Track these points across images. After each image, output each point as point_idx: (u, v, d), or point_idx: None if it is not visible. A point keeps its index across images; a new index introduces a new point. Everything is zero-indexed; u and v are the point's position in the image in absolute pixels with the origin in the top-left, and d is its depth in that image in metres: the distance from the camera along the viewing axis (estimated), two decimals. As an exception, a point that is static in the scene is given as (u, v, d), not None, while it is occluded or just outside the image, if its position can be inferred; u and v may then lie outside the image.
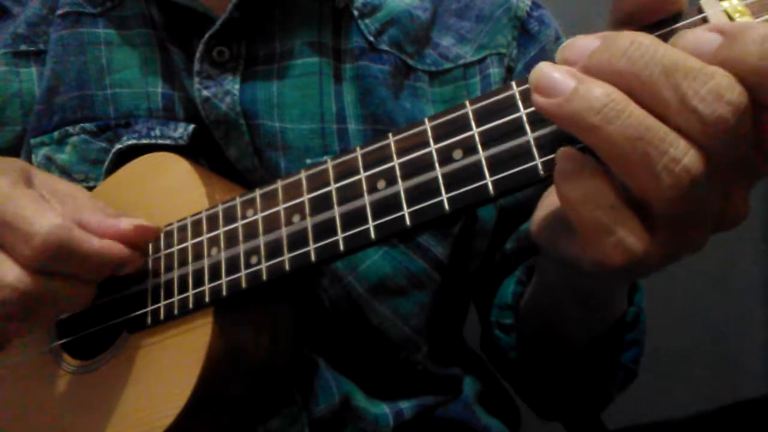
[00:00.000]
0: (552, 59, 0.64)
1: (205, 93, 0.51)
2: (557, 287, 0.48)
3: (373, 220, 0.37)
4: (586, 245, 0.31)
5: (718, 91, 0.26)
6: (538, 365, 0.57)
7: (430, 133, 0.36)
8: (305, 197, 0.40)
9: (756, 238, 1.07)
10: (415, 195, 0.35)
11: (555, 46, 0.61)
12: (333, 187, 0.39)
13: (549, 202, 0.38)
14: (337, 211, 0.38)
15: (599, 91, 0.27)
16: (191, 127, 0.53)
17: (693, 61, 0.27)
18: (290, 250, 0.40)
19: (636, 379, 0.56)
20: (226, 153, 0.52)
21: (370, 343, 0.53)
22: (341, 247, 0.38)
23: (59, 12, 0.56)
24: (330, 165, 0.39)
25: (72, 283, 0.41)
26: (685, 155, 0.27)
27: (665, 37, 0.30)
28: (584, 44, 0.29)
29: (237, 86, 0.52)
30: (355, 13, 0.55)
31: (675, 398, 1.04)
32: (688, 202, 0.28)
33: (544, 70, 0.29)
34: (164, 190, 0.48)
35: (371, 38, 0.55)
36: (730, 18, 0.28)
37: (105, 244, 0.41)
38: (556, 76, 0.29)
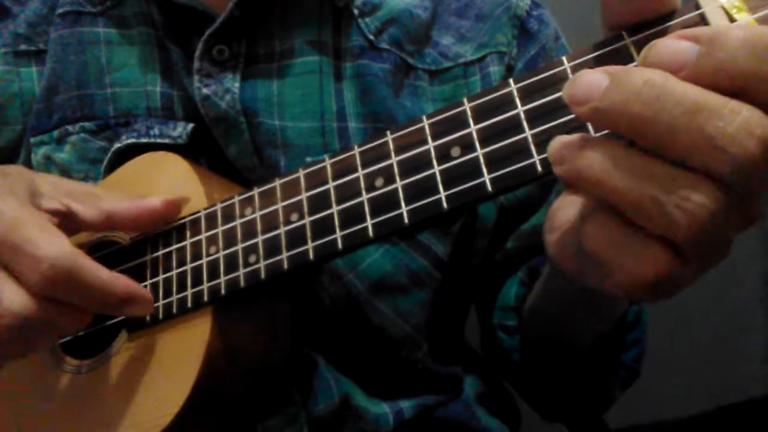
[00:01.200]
0: (552, 58, 0.64)
1: (205, 91, 0.51)
2: (563, 293, 0.48)
3: (372, 218, 0.36)
4: (617, 275, 0.29)
5: (748, 129, 0.25)
6: (541, 366, 0.57)
7: (428, 131, 0.36)
8: (303, 195, 0.40)
9: (756, 238, 1.07)
10: (413, 193, 0.35)
11: (555, 44, 0.61)
12: (331, 185, 0.39)
13: (564, 220, 0.35)
14: (335, 210, 0.38)
15: (593, 154, 0.28)
16: (190, 126, 0.53)
17: (714, 97, 0.25)
18: (289, 249, 0.40)
19: (638, 378, 0.56)
20: (226, 152, 0.52)
21: (370, 342, 0.53)
22: (339, 245, 0.38)
23: (59, 11, 0.56)
24: (328, 163, 0.39)
25: (73, 311, 0.40)
26: (696, 192, 0.26)
27: (659, 35, 0.30)
28: (591, 82, 0.27)
29: (237, 84, 0.52)
30: (356, 12, 0.55)
31: (675, 398, 1.04)
32: (711, 233, 0.27)
33: (554, 143, 0.29)
34: (162, 190, 0.48)
35: (371, 37, 0.55)
36: (728, 13, 0.28)
37: (111, 276, 0.40)
38: (556, 145, 0.29)
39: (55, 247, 0.38)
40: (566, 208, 0.34)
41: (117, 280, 0.40)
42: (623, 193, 0.27)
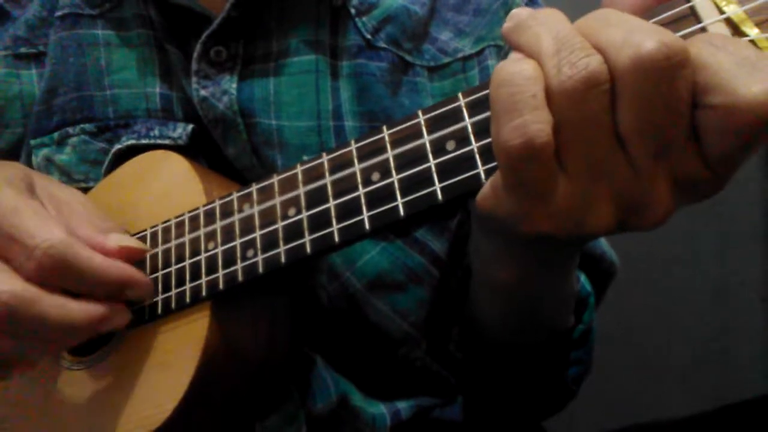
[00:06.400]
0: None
1: (203, 92, 0.52)
2: (485, 269, 0.47)
3: (368, 211, 0.37)
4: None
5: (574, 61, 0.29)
6: (483, 368, 0.57)
7: (423, 125, 0.36)
8: (301, 191, 0.40)
9: (756, 239, 1.07)
10: (408, 185, 0.36)
11: None
12: (328, 179, 0.39)
13: None
14: (332, 204, 0.38)
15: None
16: (190, 127, 0.53)
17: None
18: (286, 243, 0.40)
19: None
20: (225, 152, 0.53)
21: (368, 340, 0.53)
22: (336, 238, 0.38)
23: (58, 13, 0.57)
24: (325, 158, 0.40)
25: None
26: (533, 114, 0.29)
27: None
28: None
29: (234, 85, 0.52)
30: (352, 11, 0.56)
31: (675, 398, 1.03)
32: (528, 165, 0.29)
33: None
34: (162, 188, 0.49)
35: (368, 36, 0.55)
36: (717, 6, 0.29)
37: (106, 262, 0.41)
38: None
39: (49, 234, 0.39)
40: None
41: (111, 267, 0.41)
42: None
